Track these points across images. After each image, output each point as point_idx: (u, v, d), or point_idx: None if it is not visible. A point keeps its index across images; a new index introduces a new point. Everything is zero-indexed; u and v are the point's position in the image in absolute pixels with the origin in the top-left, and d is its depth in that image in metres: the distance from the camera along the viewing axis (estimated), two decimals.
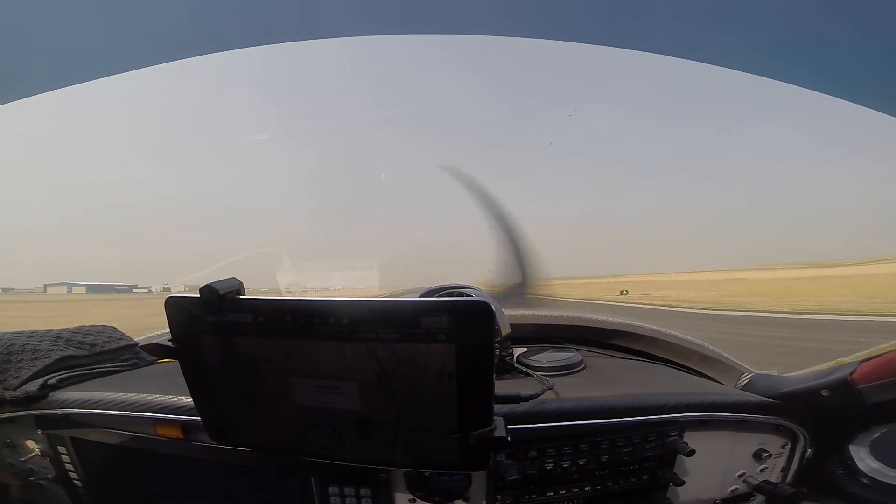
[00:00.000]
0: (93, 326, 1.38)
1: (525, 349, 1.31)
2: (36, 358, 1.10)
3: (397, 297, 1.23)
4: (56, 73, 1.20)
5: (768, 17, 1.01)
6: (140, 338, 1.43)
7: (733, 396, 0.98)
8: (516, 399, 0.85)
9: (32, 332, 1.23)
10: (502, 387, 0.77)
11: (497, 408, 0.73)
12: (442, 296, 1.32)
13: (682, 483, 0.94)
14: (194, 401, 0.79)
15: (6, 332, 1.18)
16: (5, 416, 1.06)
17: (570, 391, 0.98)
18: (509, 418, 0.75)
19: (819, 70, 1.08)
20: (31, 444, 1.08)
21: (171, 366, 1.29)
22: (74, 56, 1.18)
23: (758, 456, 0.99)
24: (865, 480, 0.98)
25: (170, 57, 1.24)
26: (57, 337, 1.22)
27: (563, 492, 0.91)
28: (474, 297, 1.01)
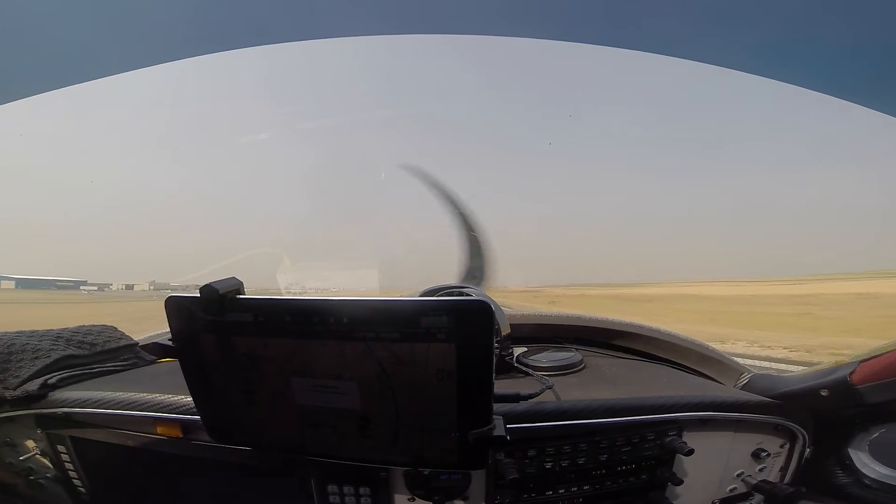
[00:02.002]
0: (93, 326, 1.38)
1: (525, 349, 1.31)
2: (36, 357, 1.10)
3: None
4: (56, 73, 1.20)
5: (772, 17, 1.01)
6: (140, 337, 1.44)
7: (732, 396, 0.98)
8: (516, 398, 0.85)
9: (32, 331, 1.23)
10: (502, 386, 0.77)
11: (496, 407, 0.73)
12: (442, 295, 1.32)
13: (681, 482, 0.94)
14: (194, 400, 0.79)
15: (6, 332, 1.18)
16: (5, 415, 1.06)
17: (569, 391, 0.98)
18: (509, 417, 0.75)
19: (819, 70, 1.08)
20: (31, 443, 1.08)
21: (171, 365, 1.29)
22: (73, 56, 1.18)
23: (756, 455, 0.99)
24: (864, 480, 0.98)
25: (169, 57, 1.25)
26: (57, 336, 1.22)
27: (563, 491, 0.91)
28: (474, 297, 1.01)
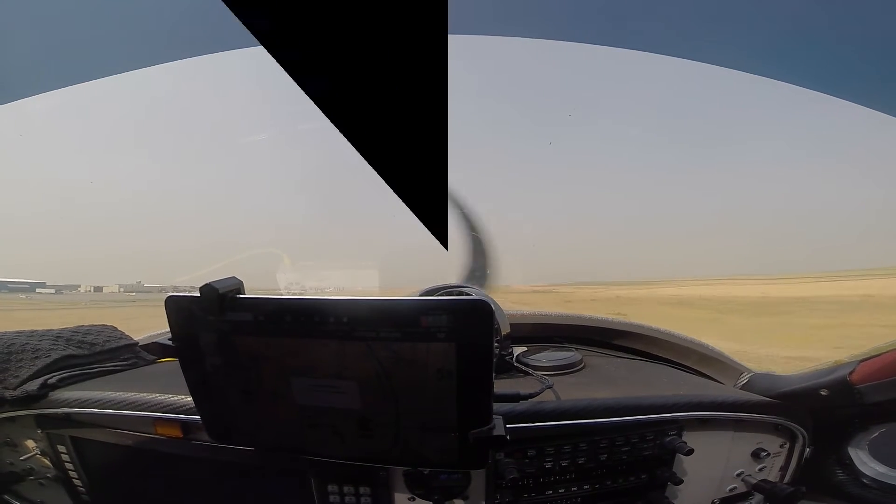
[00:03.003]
0: (92, 326, 1.38)
1: (525, 348, 1.31)
2: (36, 357, 1.10)
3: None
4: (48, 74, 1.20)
5: (773, 17, 1.01)
6: (140, 337, 1.44)
7: (732, 396, 0.98)
8: (516, 398, 0.85)
9: (32, 331, 1.23)
10: (502, 386, 0.77)
11: (496, 406, 0.73)
12: (442, 295, 1.32)
13: (681, 482, 0.94)
14: (194, 400, 0.79)
15: (6, 332, 1.18)
16: (5, 415, 1.06)
17: (569, 390, 0.98)
18: (509, 417, 0.75)
19: (819, 70, 1.08)
20: (31, 443, 1.08)
21: (170, 365, 1.29)
22: (67, 56, 1.18)
23: (756, 455, 0.99)
24: (864, 480, 0.98)
25: (167, 58, 1.25)
26: (57, 336, 1.22)
27: (562, 490, 0.91)
28: (474, 297, 1.01)
